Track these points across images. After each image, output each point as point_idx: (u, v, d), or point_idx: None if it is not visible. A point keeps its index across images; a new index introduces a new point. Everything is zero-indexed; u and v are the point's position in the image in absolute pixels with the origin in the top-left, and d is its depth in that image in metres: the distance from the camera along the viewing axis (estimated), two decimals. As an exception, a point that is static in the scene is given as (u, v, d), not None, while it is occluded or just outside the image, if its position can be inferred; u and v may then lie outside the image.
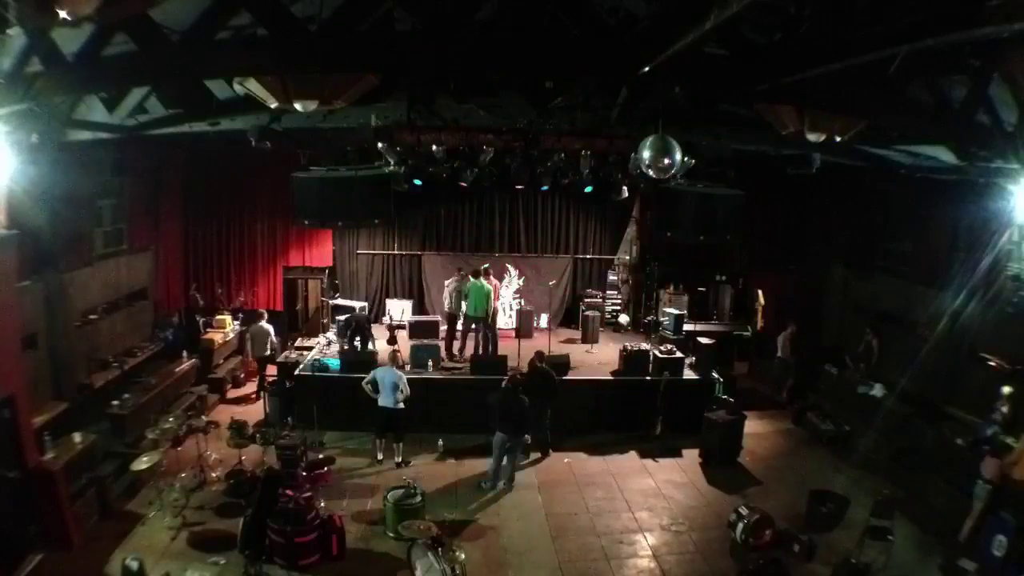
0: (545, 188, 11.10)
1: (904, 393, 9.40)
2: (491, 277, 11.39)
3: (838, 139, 6.37)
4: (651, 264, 13.57)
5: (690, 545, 7.29)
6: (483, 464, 8.79)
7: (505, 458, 8.36)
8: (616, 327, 13.57)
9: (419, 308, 13.50)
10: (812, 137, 6.23)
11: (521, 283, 13.67)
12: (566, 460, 9.24)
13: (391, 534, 6.96)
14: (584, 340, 12.48)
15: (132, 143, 8.31)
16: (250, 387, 11.58)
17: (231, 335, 11.96)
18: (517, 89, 7.72)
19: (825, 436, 10.05)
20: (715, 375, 10.44)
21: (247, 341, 11.45)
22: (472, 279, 10.88)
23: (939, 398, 9.18)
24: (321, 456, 8.56)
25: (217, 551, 6.68)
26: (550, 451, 9.35)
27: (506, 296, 13.63)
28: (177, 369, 10.15)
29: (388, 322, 12.50)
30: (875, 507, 7.00)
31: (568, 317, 13.88)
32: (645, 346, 11.08)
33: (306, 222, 9.66)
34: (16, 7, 3.41)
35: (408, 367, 9.97)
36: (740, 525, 7.12)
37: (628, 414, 10.21)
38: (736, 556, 7.02)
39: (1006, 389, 7.81)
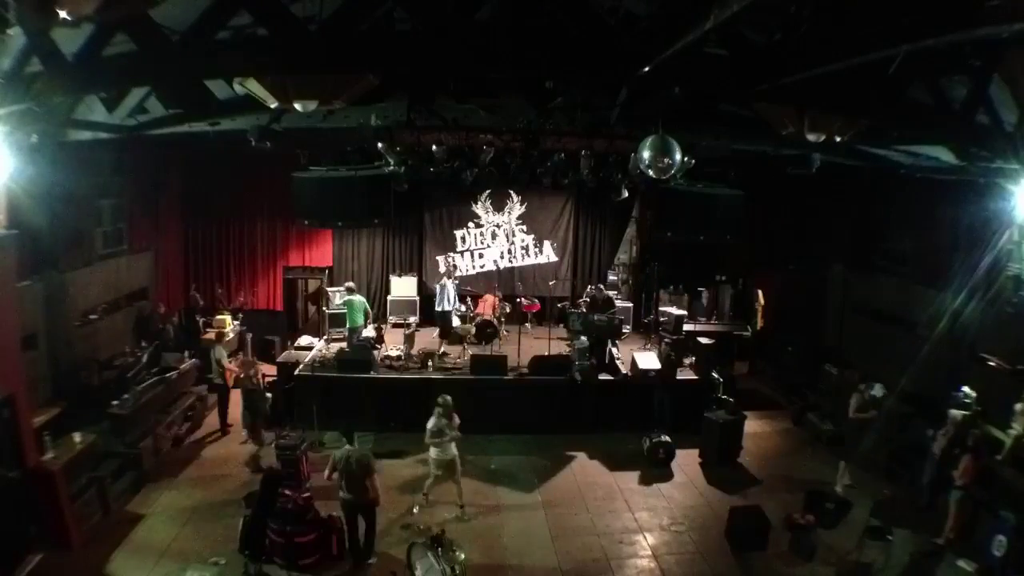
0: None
1: (904, 393, 9.40)
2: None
3: (838, 139, 6.36)
4: (651, 264, 13.57)
5: (690, 545, 7.29)
6: (483, 463, 8.79)
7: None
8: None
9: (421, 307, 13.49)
10: (812, 137, 6.23)
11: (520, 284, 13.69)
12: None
13: None
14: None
15: (132, 143, 8.31)
16: None
17: (231, 335, 11.96)
18: (517, 89, 7.71)
19: (825, 436, 10.05)
20: (715, 375, 10.44)
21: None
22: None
23: (939, 398, 9.17)
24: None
25: (217, 551, 6.68)
26: None
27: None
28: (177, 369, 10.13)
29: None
30: (875, 507, 7.00)
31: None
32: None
33: (306, 222, 9.68)
34: (16, 7, 3.41)
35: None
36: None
37: (629, 414, 10.21)
38: (735, 556, 7.04)
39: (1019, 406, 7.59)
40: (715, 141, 8.75)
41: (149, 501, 7.67)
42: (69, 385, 8.49)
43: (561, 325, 12.68)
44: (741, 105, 7.82)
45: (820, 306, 13.06)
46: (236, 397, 11.24)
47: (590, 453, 9.45)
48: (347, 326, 11.16)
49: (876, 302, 11.37)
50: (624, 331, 12.03)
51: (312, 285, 14.22)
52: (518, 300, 12.82)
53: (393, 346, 11.10)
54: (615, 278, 14.03)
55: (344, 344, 11.09)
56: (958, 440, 7.45)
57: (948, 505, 7.06)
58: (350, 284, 11.55)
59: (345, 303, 11.16)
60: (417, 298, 13.18)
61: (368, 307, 11.57)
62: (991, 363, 8.43)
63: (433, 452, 7.44)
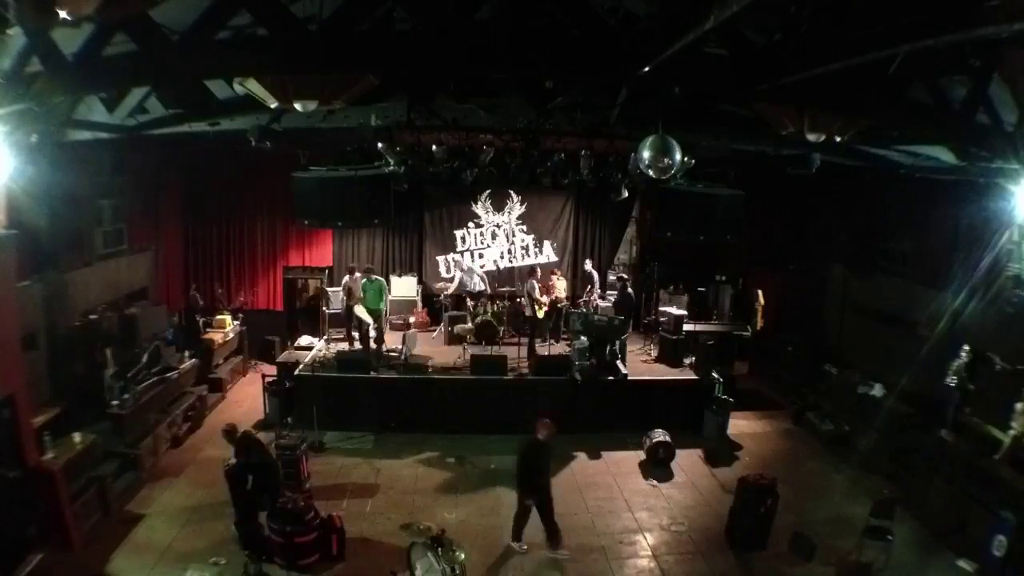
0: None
1: (904, 393, 9.40)
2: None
3: (838, 139, 6.37)
4: (651, 264, 13.57)
5: (690, 545, 7.29)
6: (484, 463, 8.80)
7: None
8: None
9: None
10: (812, 137, 6.23)
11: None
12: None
13: None
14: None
15: (132, 143, 8.31)
16: None
17: (231, 335, 11.96)
18: (517, 89, 7.72)
19: (825, 436, 10.05)
20: (715, 375, 10.44)
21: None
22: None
23: (939, 398, 9.17)
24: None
25: (217, 551, 6.68)
26: None
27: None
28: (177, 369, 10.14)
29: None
30: (875, 507, 7.00)
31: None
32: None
33: (306, 222, 9.67)
34: (16, 7, 3.42)
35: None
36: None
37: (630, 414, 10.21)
38: (735, 556, 7.04)
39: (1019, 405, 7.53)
40: (715, 141, 8.75)
41: (149, 501, 7.66)
42: (69, 385, 8.48)
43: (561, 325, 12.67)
44: (741, 105, 7.82)
45: (820, 306, 13.07)
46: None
47: (590, 453, 9.45)
48: (369, 308, 10.93)
49: (876, 302, 11.37)
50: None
51: (312, 285, 14.21)
52: (518, 300, 12.82)
53: (392, 346, 11.10)
54: (613, 278, 14.02)
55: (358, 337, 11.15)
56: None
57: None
58: (370, 267, 11.67)
59: (363, 287, 10.98)
60: (418, 298, 13.18)
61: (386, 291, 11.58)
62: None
63: None
